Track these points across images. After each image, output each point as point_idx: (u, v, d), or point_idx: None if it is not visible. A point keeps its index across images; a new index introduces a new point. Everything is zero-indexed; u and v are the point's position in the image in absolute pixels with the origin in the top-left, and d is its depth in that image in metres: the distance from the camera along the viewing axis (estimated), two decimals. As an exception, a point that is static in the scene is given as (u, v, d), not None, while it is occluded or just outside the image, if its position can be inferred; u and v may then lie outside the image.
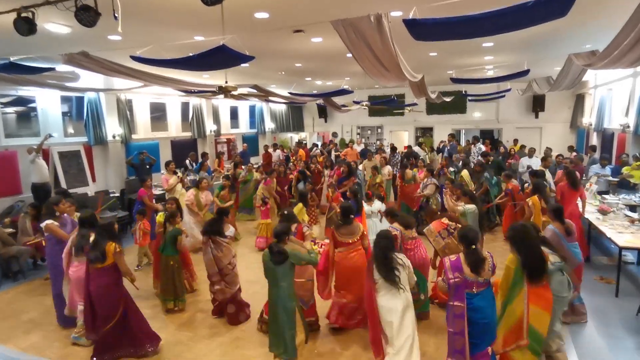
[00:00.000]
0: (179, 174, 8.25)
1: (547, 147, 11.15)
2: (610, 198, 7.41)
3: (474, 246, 3.40)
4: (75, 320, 4.53)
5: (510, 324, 3.47)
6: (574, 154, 10.37)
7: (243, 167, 10.27)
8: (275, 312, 3.80)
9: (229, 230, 5.00)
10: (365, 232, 4.74)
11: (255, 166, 10.79)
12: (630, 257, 6.60)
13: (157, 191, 9.19)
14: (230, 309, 4.84)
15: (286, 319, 3.75)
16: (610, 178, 8.55)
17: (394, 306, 3.58)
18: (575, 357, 4.04)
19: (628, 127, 9.44)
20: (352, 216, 4.61)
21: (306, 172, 9.45)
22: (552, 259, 3.69)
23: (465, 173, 8.29)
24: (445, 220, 4.87)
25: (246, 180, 9.44)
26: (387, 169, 9.64)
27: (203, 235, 4.86)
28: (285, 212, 4.91)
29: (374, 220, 6.38)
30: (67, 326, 4.73)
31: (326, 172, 9.47)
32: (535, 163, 9.49)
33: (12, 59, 5.96)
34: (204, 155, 11.11)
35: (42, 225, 4.75)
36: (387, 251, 3.64)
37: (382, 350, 3.70)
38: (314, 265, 3.97)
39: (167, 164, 8.22)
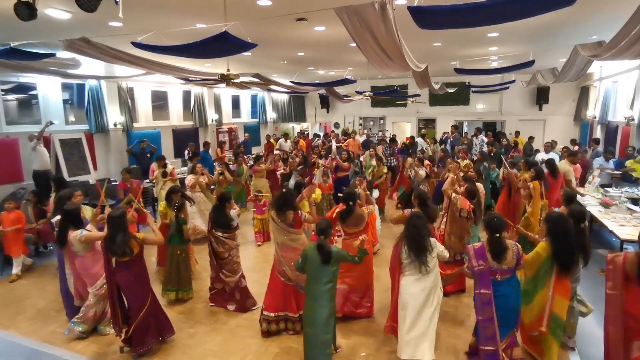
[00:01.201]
0: (169, 166, 8.14)
1: (552, 140, 11.11)
2: (612, 191, 7.39)
3: (497, 234, 3.43)
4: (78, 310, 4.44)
5: (535, 311, 3.61)
6: (577, 147, 10.30)
7: (245, 156, 10.24)
8: (313, 310, 3.63)
9: (234, 216, 4.86)
10: (369, 222, 4.74)
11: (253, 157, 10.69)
12: (631, 250, 6.58)
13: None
14: (237, 297, 4.86)
15: (325, 320, 3.60)
16: (614, 171, 8.51)
17: (415, 290, 3.56)
18: (576, 347, 4.06)
19: (633, 119, 9.37)
20: (352, 203, 4.59)
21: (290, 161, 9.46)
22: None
23: (467, 163, 8.31)
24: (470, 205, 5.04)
25: (238, 174, 9.10)
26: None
27: (208, 230, 4.86)
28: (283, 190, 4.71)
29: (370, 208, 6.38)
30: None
31: (321, 161, 9.40)
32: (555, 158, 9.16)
33: (12, 44, 5.91)
34: (206, 144, 11.08)
35: (82, 237, 4.14)
36: (421, 230, 3.59)
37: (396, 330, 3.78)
38: (358, 262, 3.78)
39: (159, 158, 8.08)
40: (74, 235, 4.15)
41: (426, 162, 8.60)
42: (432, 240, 3.65)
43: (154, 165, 8.05)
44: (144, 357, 3.99)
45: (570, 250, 3.47)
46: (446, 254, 3.75)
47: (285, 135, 14.63)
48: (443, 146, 12.96)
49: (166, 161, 8.22)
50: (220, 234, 4.75)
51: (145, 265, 4.10)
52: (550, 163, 6.71)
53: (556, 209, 4.62)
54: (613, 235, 5.63)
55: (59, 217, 4.49)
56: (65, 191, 5.10)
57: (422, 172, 8.08)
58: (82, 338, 4.34)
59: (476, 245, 3.54)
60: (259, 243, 7.30)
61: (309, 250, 3.70)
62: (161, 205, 5.84)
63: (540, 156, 9.78)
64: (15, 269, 6.05)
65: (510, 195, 6.96)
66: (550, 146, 9.96)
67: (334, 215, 4.67)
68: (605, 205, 6.58)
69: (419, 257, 3.52)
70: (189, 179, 7.15)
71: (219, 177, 7.82)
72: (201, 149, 11.22)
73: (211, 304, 5.02)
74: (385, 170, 8.74)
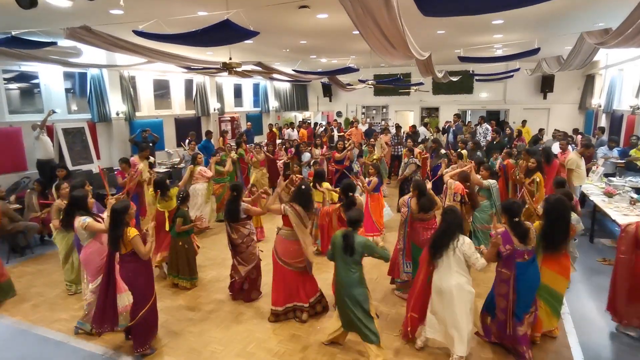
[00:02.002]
0: (152, 160, 7.93)
1: (555, 129, 11.05)
2: (616, 180, 7.35)
3: (517, 219, 3.57)
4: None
5: None
6: (580, 136, 10.23)
7: (247, 145, 10.22)
8: (342, 298, 3.68)
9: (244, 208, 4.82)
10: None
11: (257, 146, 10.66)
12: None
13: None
14: (245, 286, 4.89)
15: (359, 307, 3.62)
16: (618, 160, 8.45)
17: (442, 286, 3.56)
18: (575, 336, 4.09)
19: (638, 108, 9.28)
20: (352, 194, 4.60)
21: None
22: (579, 227, 4.11)
23: (464, 152, 8.37)
24: (464, 189, 5.10)
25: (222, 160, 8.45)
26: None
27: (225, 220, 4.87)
28: (303, 187, 4.55)
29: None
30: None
31: (317, 151, 9.37)
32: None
33: (13, 33, 5.88)
34: (208, 133, 11.06)
35: (84, 224, 4.08)
36: (453, 227, 3.58)
37: (415, 324, 3.86)
38: (385, 260, 3.74)
39: (141, 149, 7.51)
40: (78, 221, 4.12)
41: (417, 150, 8.53)
42: (462, 241, 3.55)
43: (135, 158, 7.35)
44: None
45: (559, 233, 3.72)
46: (478, 262, 3.50)
47: (292, 125, 14.58)
48: (445, 135, 12.90)
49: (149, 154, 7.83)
50: (236, 224, 4.78)
51: (151, 260, 4.01)
52: (545, 150, 6.86)
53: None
54: (616, 224, 5.61)
55: (88, 220, 4.13)
56: (78, 181, 4.96)
57: (412, 167, 8.01)
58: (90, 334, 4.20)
59: (501, 231, 3.66)
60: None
61: (334, 238, 3.73)
62: (150, 192, 5.82)
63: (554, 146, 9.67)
64: None
65: (508, 185, 7.03)
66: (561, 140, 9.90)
67: (331, 211, 4.71)
68: (609, 194, 6.55)
69: (437, 251, 3.56)
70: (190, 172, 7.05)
71: (215, 167, 7.64)
72: (203, 138, 11.20)
73: (230, 293, 5.03)
74: (376, 156, 8.72)
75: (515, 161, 7.10)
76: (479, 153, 8.32)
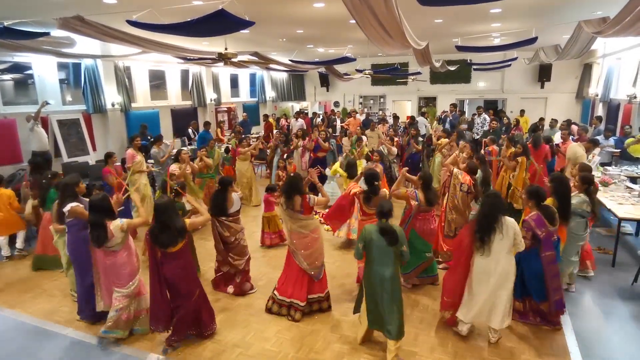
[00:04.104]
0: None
1: (552, 119, 11.05)
2: (612, 170, 7.38)
3: (543, 202, 3.94)
4: (100, 314, 4.16)
5: None
6: (574, 125, 10.22)
7: (244, 136, 10.20)
8: (381, 294, 3.50)
9: (234, 205, 4.78)
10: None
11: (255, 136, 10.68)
12: (629, 228, 6.65)
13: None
14: (237, 279, 4.87)
15: (399, 302, 3.52)
16: (614, 149, 8.48)
17: (495, 269, 3.60)
18: (570, 325, 4.13)
19: (635, 97, 9.28)
20: (377, 182, 4.57)
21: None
22: (585, 207, 4.43)
23: (444, 141, 8.54)
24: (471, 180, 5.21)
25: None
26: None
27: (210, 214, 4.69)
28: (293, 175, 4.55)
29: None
30: (96, 321, 4.25)
31: (300, 142, 9.37)
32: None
33: (5, 23, 5.79)
34: (207, 124, 11.02)
35: (66, 209, 4.11)
36: (494, 210, 3.59)
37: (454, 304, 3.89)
38: (405, 259, 3.57)
39: (132, 139, 7.24)
40: (115, 225, 3.74)
41: (397, 139, 9.32)
42: (508, 223, 3.59)
43: (131, 151, 7.04)
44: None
45: (568, 203, 4.22)
46: (522, 243, 3.63)
47: (298, 114, 14.52)
48: (442, 125, 12.88)
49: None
50: (223, 218, 4.69)
51: (191, 255, 3.93)
52: (535, 137, 7.32)
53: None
54: (611, 213, 5.66)
55: (72, 204, 4.15)
56: (72, 176, 4.53)
57: (394, 149, 8.64)
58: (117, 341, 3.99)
59: (533, 217, 3.89)
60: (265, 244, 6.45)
61: (368, 234, 3.51)
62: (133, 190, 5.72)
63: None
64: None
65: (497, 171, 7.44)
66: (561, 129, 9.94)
67: (354, 194, 4.64)
68: (604, 183, 6.58)
69: (485, 235, 3.56)
70: (174, 169, 6.43)
71: (199, 163, 7.37)
72: (201, 129, 11.17)
73: (214, 287, 5.01)
74: (366, 150, 8.71)
75: (499, 148, 7.55)
76: (461, 141, 8.38)
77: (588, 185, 4.50)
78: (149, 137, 9.67)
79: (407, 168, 5.14)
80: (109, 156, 6.66)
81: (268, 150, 10.51)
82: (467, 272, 3.80)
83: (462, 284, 3.84)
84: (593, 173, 7.30)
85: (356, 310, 3.94)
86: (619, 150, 8.28)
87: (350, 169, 6.57)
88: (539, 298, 4.00)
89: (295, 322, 4.25)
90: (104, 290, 4.00)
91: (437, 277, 4.99)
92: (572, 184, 4.69)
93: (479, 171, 5.80)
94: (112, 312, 3.88)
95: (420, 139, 9.09)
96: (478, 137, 10.63)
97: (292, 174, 4.48)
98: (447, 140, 8.34)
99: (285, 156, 8.80)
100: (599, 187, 6.49)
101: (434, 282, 4.99)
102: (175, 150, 7.52)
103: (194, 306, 3.82)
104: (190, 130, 11.62)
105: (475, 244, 3.67)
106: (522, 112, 13.12)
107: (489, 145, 7.90)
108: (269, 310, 4.42)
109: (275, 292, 4.41)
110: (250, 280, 5.01)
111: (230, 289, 4.92)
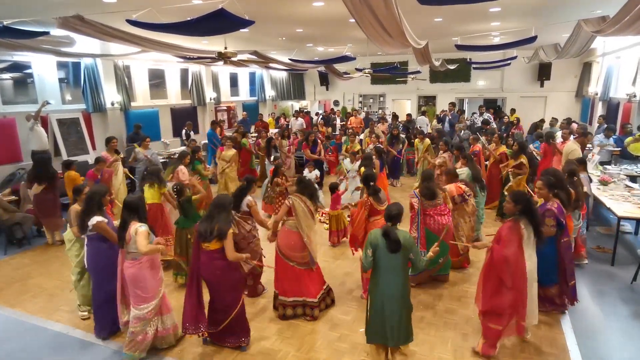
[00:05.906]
0: (122, 155, 7.66)
1: (552, 117, 11.06)
2: (611, 168, 7.39)
3: (556, 190, 4.10)
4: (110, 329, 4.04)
5: None
6: (574, 124, 10.23)
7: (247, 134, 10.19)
8: (391, 309, 3.18)
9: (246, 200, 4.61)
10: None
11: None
12: (628, 227, 6.66)
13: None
14: (249, 282, 4.79)
15: (409, 315, 3.29)
16: (613, 148, 8.49)
17: (531, 266, 3.54)
18: (570, 324, 4.14)
19: (634, 96, 9.28)
20: (372, 183, 4.61)
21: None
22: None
23: (427, 142, 8.88)
24: (462, 186, 5.10)
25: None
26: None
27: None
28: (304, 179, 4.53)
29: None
30: (108, 336, 4.07)
31: (285, 142, 9.33)
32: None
33: (5, 22, 5.79)
34: (213, 123, 11.02)
35: (92, 222, 3.83)
36: (530, 204, 3.52)
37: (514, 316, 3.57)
38: (420, 269, 3.39)
39: (107, 141, 7.23)
40: (134, 227, 3.52)
41: (382, 139, 9.76)
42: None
43: (106, 153, 7.05)
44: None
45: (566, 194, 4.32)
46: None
47: (297, 113, 14.53)
48: (440, 124, 12.92)
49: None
50: (234, 211, 4.49)
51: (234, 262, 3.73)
52: (547, 133, 7.69)
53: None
54: (611, 212, 5.66)
55: (98, 219, 3.87)
56: (101, 187, 4.20)
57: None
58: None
59: (554, 206, 3.98)
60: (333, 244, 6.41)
61: (374, 239, 3.21)
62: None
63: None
64: None
65: (486, 168, 7.89)
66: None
67: (366, 200, 4.58)
68: (604, 182, 6.59)
69: (540, 227, 3.52)
70: (184, 172, 6.22)
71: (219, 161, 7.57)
72: (207, 128, 11.16)
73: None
74: (357, 147, 8.92)
75: (484, 145, 7.91)
76: (445, 138, 8.51)
77: (554, 188, 4.17)
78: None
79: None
80: (97, 161, 6.66)
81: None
82: (524, 282, 3.49)
83: (523, 295, 3.50)
84: (593, 172, 7.38)
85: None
86: (619, 149, 8.30)
87: (365, 162, 6.48)
88: (545, 282, 4.00)
89: (314, 319, 4.22)
90: (127, 300, 3.79)
91: (448, 277, 5.01)
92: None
93: (466, 169, 5.90)
94: (128, 334, 3.70)
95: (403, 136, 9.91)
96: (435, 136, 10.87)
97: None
98: (428, 142, 8.81)
99: (273, 158, 8.66)
100: (599, 186, 6.53)
101: (444, 280, 4.99)
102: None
103: (235, 318, 3.68)
104: (184, 131, 11.52)
105: (525, 243, 3.46)
106: (513, 110, 13.30)
107: (473, 144, 8.02)
108: (282, 317, 4.29)
109: (281, 297, 4.29)
110: (261, 284, 4.95)
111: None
